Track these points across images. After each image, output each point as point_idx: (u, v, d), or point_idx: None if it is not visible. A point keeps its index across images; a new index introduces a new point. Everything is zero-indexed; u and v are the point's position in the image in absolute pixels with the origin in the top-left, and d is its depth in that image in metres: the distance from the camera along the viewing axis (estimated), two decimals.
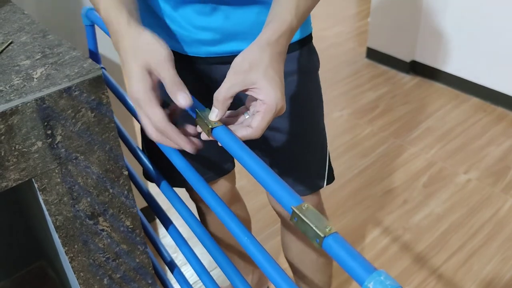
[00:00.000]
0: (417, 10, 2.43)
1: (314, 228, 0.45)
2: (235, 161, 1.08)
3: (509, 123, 2.23)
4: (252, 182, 1.88)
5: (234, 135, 0.59)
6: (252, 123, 0.59)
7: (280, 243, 1.21)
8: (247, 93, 0.60)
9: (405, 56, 2.59)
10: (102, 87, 0.63)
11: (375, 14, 2.66)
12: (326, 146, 0.99)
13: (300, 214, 0.47)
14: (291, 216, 0.48)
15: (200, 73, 0.85)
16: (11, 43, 0.69)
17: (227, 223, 0.63)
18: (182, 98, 0.58)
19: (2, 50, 0.67)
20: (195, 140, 0.63)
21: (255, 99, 0.61)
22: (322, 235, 0.45)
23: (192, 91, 0.62)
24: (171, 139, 0.61)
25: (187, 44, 0.82)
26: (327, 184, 1.00)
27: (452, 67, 2.45)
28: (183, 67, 0.61)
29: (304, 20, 0.67)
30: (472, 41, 2.31)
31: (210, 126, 0.60)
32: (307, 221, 0.46)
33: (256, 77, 0.58)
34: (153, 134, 0.61)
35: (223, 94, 0.59)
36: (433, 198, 1.84)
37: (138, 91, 0.59)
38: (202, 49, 0.81)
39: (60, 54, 0.66)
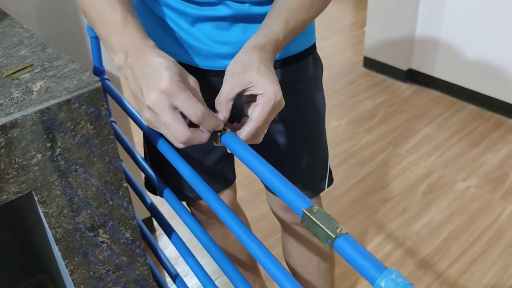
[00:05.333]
0: (413, 18, 2.45)
1: (325, 229, 0.46)
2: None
3: (506, 130, 2.24)
4: (250, 192, 1.88)
5: (242, 141, 0.60)
6: (253, 115, 0.61)
7: (281, 253, 1.20)
8: (245, 93, 0.62)
9: (402, 64, 2.61)
10: (101, 99, 0.63)
11: (371, 24, 2.68)
12: (327, 150, 1.02)
13: (311, 216, 0.48)
14: (301, 218, 0.49)
15: (212, 85, 0.85)
16: (31, 65, 0.68)
17: (235, 231, 0.64)
18: (219, 121, 0.60)
19: (16, 72, 0.66)
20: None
21: (254, 101, 0.63)
22: (333, 236, 0.45)
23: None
24: (209, 126, 0.58)
25: (202, 57, 0.82)
26: (327, 186, 1.04)
27: (448, 75, 2.47)
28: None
29: (293, 37, 0.71)
30: (469, 49, 2.32)
31: (219, 134, 0.61)
32: (318, 222, 0.47)
33: (252, 76, 0.61)
34: (186, 134, 0.56)
35: (224, 97, 0.61)
36: (432, 206, 1.84)
37: (169, 79, 0.55)
38: (218, 63, 0.82)
39: (59, 67, 0.67)
